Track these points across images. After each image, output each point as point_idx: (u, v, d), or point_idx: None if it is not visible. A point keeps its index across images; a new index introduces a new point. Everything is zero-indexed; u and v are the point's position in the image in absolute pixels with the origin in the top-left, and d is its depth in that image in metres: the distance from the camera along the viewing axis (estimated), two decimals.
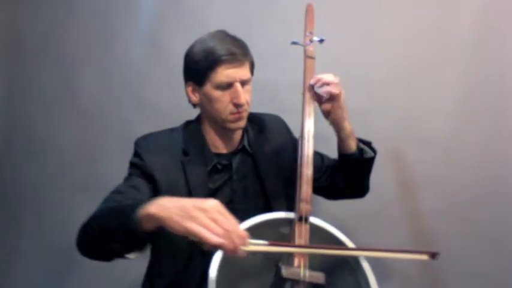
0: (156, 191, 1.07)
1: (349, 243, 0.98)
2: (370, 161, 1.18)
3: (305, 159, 1.02)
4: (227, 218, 0.75)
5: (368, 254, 0.96)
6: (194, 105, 1.18)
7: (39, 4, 1.92)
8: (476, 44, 1.63)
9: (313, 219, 0.98)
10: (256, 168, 1.17)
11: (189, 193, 1.08)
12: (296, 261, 0.90)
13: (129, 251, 0.86)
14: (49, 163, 1.91)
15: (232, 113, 1.09)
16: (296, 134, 1.34)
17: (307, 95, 1.11)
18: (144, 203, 0.80)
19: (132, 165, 1.12)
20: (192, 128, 1.18)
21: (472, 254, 1.61)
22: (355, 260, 0.97)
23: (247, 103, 1.11)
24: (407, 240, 1.67)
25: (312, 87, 1.11)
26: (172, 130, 1.19)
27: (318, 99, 1.12)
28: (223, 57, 1.05)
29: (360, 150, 1.16)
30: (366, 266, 0.96)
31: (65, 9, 1.90)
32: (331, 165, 1.26)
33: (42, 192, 1.92)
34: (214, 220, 0.73)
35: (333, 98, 1.09)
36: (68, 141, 1.89)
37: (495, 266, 1.61)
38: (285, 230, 0.98)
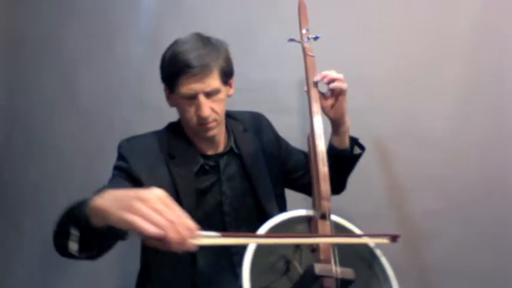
0: None
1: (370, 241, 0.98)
2: (358, 157, 1.22)
3: (320, 156, 1.01)
4: (171, 209, 0.68)
5: (324, 240, 0.93)
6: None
7: (39, 4, 1.92)
8: (476, 44, 1.63)
9: (332, 217, 0.98)
10: (244, 168, 1.16)
11: (177, 195, 1.06)
12: (322, 257, 0.89)
13: (84, 250, 0.79)
14: (49, 163, 1.91)
15: (199, 124, 1.07)
16: (297, 133, 1.34)
17: (313, 93, 1.10)
18: (95, 196, 0.75)
19: (117, 168, 1.09)
20: (176, 130, 1.17)
21: (472, 254, 1.61)
22: (372, 254, 0.97)
23: (217, 113, 1.07)
24: (407, 240, 1.67)
25: (316, 84, 1.11)
26: (155, 133, 1.18)
27: (320, 96, 1.13)
28: (185, 69, 1.02)
29: (351, 146, 1.19)
30: (383, 260, 0.96)
31: (65, 9, 1.90)
32: None
33: (42, 193, 1.92)
34: (156, 210, 0.66)
35: (340, 93, 1.10)
36: (68, 141, 1.89)
37: (495, 266, 1.61)
38: (300, 227, 0.98)
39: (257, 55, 1.69)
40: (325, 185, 0.97)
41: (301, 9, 1.22)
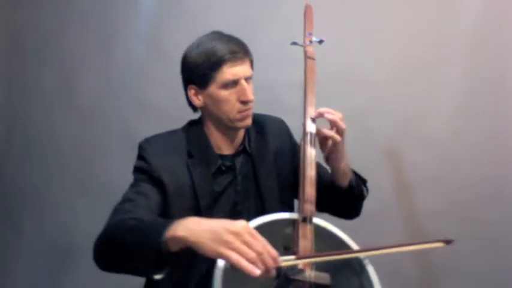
0: (164, 194, 1.06)
1: (352, 243, 0.97)
2: (357, 197, 1.14)
3: (308, 160, 1.01)
4: (258, 240, 0.75)
5: (389, 251, 0.94)
6: (195, 109, 1.18)
7: (39, 4, 1.93)
8: (476, 44, 1.63)
9: (316, 220, 0.97)
10: (254, 168, 1.16)
11: (195, 196, 1.07)
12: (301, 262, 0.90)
13: (154, 271, 0.85)
14: (49, 163, 1.91)
15: (240, 111, 1.08)
16: (298, 134, 1.34)
17: (309, 96, 1.09)
18: (169, 224, 0.79)
19: (138, 169, 1.10)
20: (195, 129, 1.17)
21: (472, 254, 1.61)
22: (359, 261, 0.96)
23: (253, 101, 1.10)
24: (407, 240, 1.67)
25: (313, 120, 1.06)
26: (174, 132, 1.18)
27: (319, 133, 1.06)
28: (227, 56, 1.04)
29: (351, 187, 1.11)
30: (369, 267, 0.95)
31: (65, 9, 1.90)
32: (325, 179, 1.18)
33: (42, 193, 1.92)
34: (246, 243, 0.73)
35: (334, 142, 1.03)
36: (68, 141, 1.90)
37: (495, 266, 1.61)
38: (289, 230, 0.97)
39: (257, 55, 1.67)
40: (310, 189, 0.97)
41: (307, 13, 1.21)
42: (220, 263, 0.85)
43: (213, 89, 1.07)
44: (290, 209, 1.22)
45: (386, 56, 1.68)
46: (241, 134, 1.18)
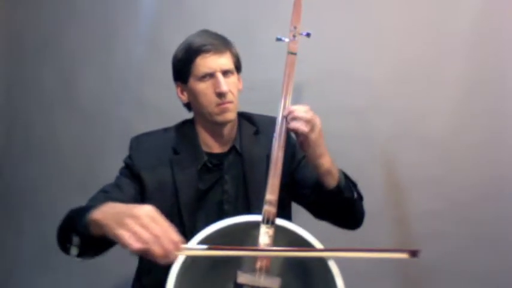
0: (143, 191, 1.09)
1: (317, 244, 0.92)
2: (349, 201, 1.06)
3: (273, 160, 1.00)
4: (158, 224, 0.74)
5: (337, 254, 0.89)
6: (189, 108, 1.18)
7: (39, 4, 1.93)
8: (476, 44, 1.62)
9: (280, 221, 0.95)
10: (244, 169, 1.15)
11: (176, 192, 1.08)
12: (258, 266, 0.89)
13: (83, 253, 0.88)
14: (49, 163, 1.91)
15: (217, 105, 1.08)
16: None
17: (283, 95, 1.08)
18: (94, 209, 0.81)
19: (124, 164, 1.15)
20: (186, 127, 1.19)
21: (471, 255, 1.61)
22: (323, 262, 0.92)
23: (233, 94, 1.10)
24: (408, 241, 1.67)
25: (285, 118, 1.02)
26: (166, 129, 1.20)
27: (288, 129, 1.02)
28: (201, 48, 1.07)
29: (339, 188, 1.04)
30: (333, 266, 0.90)
31: (65, 9, 1.90)
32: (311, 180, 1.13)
33: (42, 192, 1.92)
34: (144, 226, 0.72)
35: (301, 135, 0.99)
36: (68, 141, 1.90)
37: (495, 266, 1.60)
38: (255, 232, 0.94)
39: (257, 55, 1.69)
40: (272, 190, 0.97)
41: (295, 6, 1.19)
42: (175, 267, 0.84)
43: (192, 82, 1.09)
44: (283, 212, 1.19)
45: (385, 55, 1.68)
46: (231, 132, 1.17)
